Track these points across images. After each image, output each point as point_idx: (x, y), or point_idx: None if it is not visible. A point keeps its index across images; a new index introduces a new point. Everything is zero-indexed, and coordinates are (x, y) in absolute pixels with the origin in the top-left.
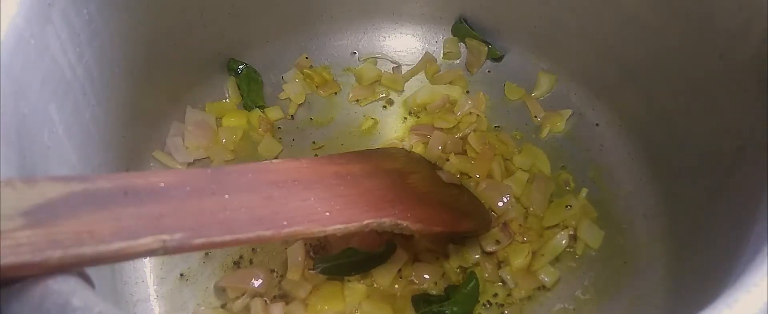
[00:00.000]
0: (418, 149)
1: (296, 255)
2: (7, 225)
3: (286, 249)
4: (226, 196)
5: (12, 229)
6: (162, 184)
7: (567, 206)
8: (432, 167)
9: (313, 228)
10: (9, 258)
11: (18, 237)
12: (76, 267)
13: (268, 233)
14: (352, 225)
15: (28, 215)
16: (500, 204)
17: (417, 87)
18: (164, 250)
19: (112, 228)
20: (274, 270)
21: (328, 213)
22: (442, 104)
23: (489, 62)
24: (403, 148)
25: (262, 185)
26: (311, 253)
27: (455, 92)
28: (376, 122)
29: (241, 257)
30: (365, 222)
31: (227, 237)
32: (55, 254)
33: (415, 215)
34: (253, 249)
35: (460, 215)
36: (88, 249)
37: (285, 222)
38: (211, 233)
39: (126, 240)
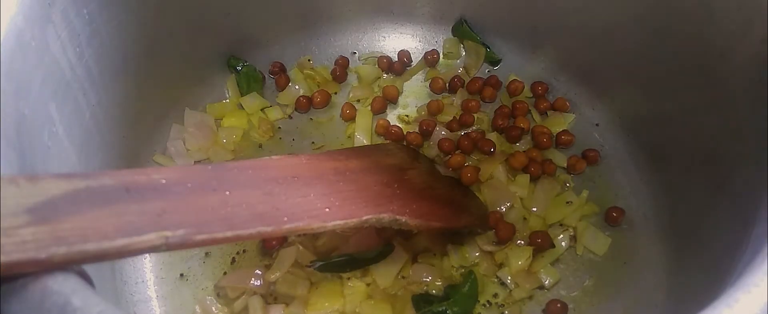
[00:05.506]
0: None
1: (287, 257)
2: (11, 222)
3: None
4: (227, 193)
5: (16, 226)
6: (163, 181)
7: (567, 202)
8: (430, 162)
9: (313, 223)
10: (14, 255)
11: (23, 234)
12: (79, 264)
13: (269, 229)
14: (352, 221)
15: (32, 212)
16: (501, 205)
17: (417, 86)
18: (167, 246)
19: (115, 224)
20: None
21: (327, 209)
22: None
23: (488, 63)
24: (401, 144)
25: (263, 181)
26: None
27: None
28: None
29: (238, 253)
30: (364, 217)
31: (229, 233)
32: (60, 251)
33: (413, 210)
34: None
35: (459, 210)
36: (92, 246)
37: (285, 218)
38: (213, 229)
39: (129, 236)
